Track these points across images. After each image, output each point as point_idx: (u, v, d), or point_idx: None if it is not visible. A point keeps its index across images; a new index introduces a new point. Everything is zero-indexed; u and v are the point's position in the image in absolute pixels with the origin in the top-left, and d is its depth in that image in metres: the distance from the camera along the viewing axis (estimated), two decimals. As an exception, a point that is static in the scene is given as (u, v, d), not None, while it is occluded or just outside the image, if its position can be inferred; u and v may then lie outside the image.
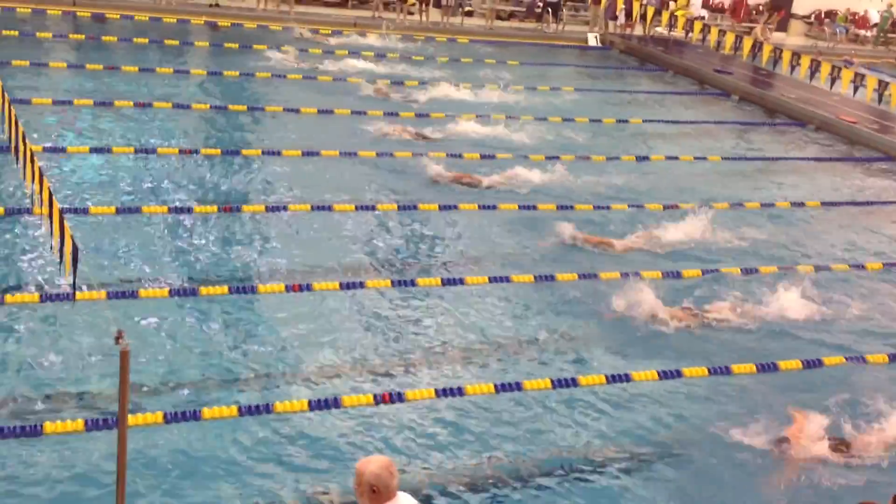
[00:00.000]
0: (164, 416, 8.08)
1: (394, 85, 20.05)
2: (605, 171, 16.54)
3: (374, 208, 13.30)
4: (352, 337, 9.95)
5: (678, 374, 9.81)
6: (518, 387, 9.20)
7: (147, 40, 20.90)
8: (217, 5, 25.05)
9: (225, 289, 10.44)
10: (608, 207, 14.66)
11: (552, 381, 9.34)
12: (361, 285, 10.97)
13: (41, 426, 7.73)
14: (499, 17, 28.67)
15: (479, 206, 13.76)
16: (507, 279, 11.57)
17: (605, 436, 8.75)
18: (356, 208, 13.19)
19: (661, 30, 29.17)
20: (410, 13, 27.09)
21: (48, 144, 13.63)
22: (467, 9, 28.45)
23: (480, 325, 10.51)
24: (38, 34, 19.88)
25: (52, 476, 7.34)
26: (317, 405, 8.58)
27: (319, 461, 7.92)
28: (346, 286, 10.87)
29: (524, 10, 29.63)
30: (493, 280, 11.52)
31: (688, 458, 8.60)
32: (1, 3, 22.02)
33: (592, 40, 28.15)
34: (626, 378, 9.58)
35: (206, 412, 8.24)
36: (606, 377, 9.59)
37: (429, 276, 11.48)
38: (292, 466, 7.81)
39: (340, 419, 8.53)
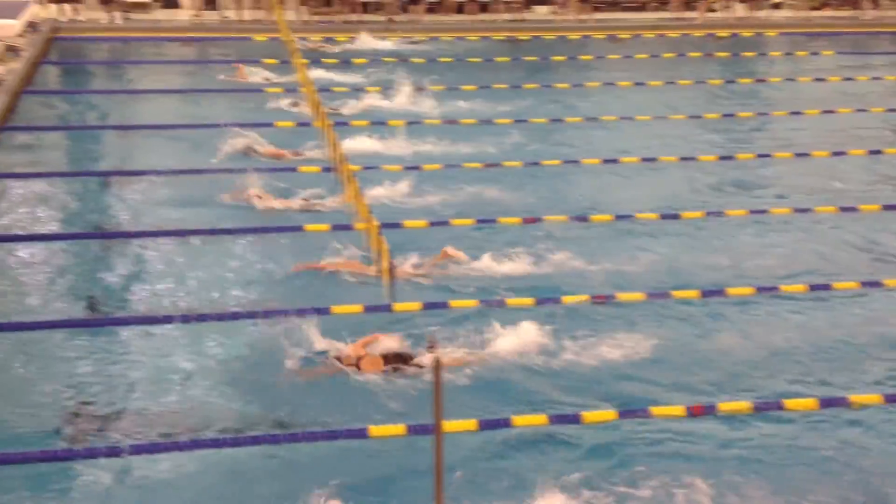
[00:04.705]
0: (479, 423, 8.33)
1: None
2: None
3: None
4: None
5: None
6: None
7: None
8: (392, 21, 24.96)
9: (531, 300, 10.59)
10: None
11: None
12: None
13: (367, 429, 8.23)
14: (811, 7, 27.08)
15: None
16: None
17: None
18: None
19: None
20: (712, 10, 26.26)
21: (367, 164, 14.51)
22: (774, 1, 27.14)
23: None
24: (352, 60, 21.28)
25: (377, 474, 7.78)
26: (624, 414, 8.51)
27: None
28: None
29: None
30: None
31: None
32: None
33: (918, 23, 25.85)
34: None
35: (516, 420, 8.40)
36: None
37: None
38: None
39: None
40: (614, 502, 7.39)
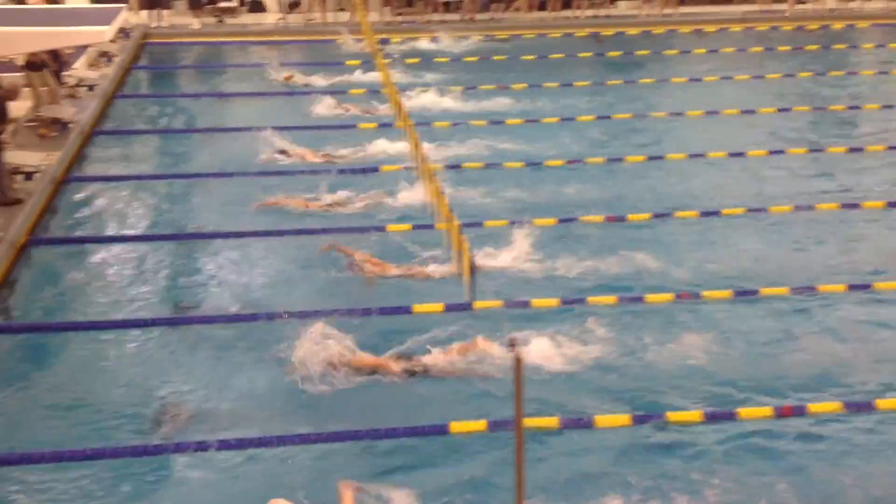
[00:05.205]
0: (559, 421, 8.28)
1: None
2: None
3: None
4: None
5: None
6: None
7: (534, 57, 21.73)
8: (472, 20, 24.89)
9: (614, 298, 10.48)
10: None
11: None
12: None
13: (447, 425, 8.25)
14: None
15: None
16: None
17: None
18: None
19: None
20: (802, 2, 25.62)
21: (449, 164, 14.54)
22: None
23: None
24: (434, 59, 21.37)
25: (455, 470, 7.81)
26: (710, 416, 8.37)
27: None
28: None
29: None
30: None
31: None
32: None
33: None
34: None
35: (599, 420, 8.33)
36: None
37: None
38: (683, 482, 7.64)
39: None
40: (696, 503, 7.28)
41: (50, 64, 16.46)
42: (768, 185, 13.84)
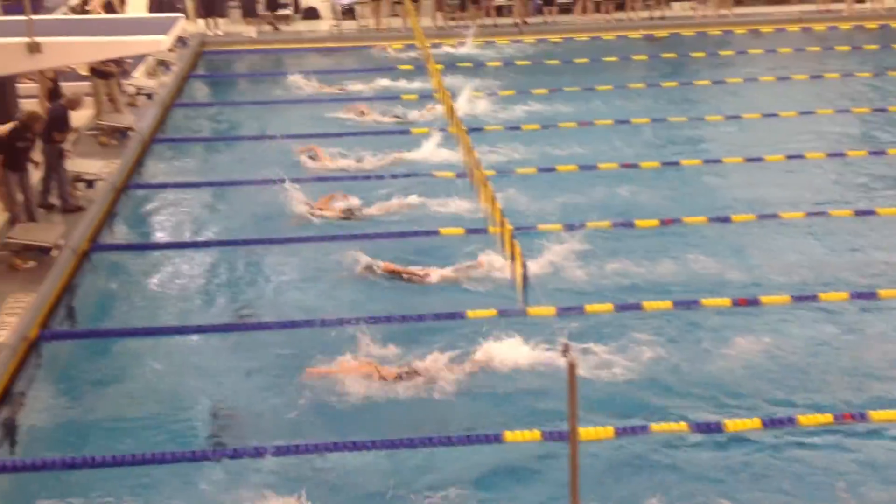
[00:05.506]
0: (615, 430, 8.22)
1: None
2: None
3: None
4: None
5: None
6: None
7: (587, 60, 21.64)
8: (525, 23, 24.64)
9: (669, 303, 10.37)
10: None
11: None
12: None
13: (502, 434, 8.23)
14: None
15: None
16: None
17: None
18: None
19: None
20: (861, 1, 25.13)
21: (499, 169, 14.52)
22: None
23: None
24: (487, 63, 21.36)
25: (522, 478, 7.79)
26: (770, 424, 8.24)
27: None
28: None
29: None
30: None
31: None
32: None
33: None
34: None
35: (654, 427, 8.25)
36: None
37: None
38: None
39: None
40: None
41: (115, 73, 16.77)
42: (827, 188, 13.61)
